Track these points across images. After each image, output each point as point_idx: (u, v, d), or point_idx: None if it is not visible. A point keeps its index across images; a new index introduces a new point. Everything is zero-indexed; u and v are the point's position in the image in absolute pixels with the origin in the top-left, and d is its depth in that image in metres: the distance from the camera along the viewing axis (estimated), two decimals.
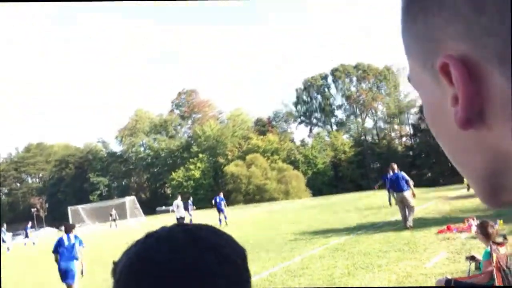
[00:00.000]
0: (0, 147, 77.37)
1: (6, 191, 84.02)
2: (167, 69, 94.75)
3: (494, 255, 4.24)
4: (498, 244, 4.36)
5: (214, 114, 76.38)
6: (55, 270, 8.85)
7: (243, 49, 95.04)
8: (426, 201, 19.87)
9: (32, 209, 65.42)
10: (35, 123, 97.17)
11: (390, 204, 18.33)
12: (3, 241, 27.51)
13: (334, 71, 68.55)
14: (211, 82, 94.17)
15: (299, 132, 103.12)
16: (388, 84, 66.45)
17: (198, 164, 63.86)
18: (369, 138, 69.26)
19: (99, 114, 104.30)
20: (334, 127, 69.58)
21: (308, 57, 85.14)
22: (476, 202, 15.57)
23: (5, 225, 29.44)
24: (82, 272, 8.85)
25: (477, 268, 4.72)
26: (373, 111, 68.74)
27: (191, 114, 77.48)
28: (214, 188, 57.81)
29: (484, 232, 4.49)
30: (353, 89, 68.57)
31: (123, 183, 77.78)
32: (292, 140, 69.16)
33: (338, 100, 70.24)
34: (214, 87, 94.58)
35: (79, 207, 45.02)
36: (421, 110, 61.22)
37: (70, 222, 41.97)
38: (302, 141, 69.40)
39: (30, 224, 34.97)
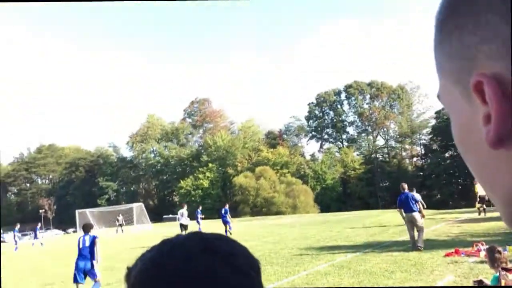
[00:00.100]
0: (4, 148, 78.26)
1: (15, 191, 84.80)
2: (182, 76, 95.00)
3: (503, 281, 4.20)
4: (507, 270, 4.32)
5: (225, 124, 76.78)
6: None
7: (261, 61, 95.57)
8: (435, 223, 19.67)
9: (40, 210, 65.91)
10: (42, 123, 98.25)
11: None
12: (15, 241, 27.79)
13: (347, 88, 68.63)
14: (224, 92, 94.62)
15: (310, 147, 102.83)
16: (401, 103, 66.26)
17: (207, 174, 64.03)
18: (379, 156, 69.00)
19: (110, 116, 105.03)
20: (345, 144, 69.46)
21: (322, 73, 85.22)
22: (486, 226, 15.38)
23: (18, 225, 29.85)
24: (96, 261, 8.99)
25: None
26: (385, 129, 68.57)
27: (203, 123, 77.89)
28: (222, 198, 57.87)
29: (492, 258, 4.46)
30: (365, 106, 68.56)
31: (132, 188, 78.17)
32: (302, 154, 69.15)
33: (350, 116, 70.40)
34: (226, 96, 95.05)
35: (87, 211, 45.20)
36: (433, 131, 61.07)
37: (77, 225, 42.34)
38: (312, 155, 69.50)
39: (39, 225, 35.23)
